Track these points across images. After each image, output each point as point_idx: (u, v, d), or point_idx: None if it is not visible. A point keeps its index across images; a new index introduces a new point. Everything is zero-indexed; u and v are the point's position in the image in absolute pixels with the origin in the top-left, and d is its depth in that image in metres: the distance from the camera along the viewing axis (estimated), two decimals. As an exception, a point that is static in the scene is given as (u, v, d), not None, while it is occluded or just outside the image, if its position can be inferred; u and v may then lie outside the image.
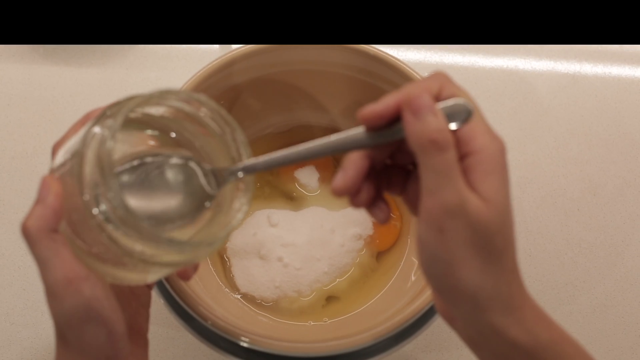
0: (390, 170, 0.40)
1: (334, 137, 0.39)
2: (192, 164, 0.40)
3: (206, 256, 0.41)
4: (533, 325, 0.37)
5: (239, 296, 0.63)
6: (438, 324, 0.58)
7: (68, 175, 0.37)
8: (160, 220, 0.39)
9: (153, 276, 0.41)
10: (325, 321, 0.62)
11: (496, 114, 0.76)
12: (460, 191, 0.34)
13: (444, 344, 0.65)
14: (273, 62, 0.63)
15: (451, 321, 0.41)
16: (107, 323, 0.39)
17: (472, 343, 0.40)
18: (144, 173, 0.39)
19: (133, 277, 0.40)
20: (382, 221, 0.41)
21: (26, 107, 0.76)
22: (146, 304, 0.47)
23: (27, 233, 0.39)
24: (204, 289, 0.60)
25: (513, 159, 0.74)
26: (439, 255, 0.35)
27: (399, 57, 0.60)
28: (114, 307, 0.39)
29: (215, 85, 0.61)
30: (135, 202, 0.38)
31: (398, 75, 0.60)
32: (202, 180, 0.41)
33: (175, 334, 0.65)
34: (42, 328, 0.65)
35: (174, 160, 0.40)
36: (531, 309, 0.38)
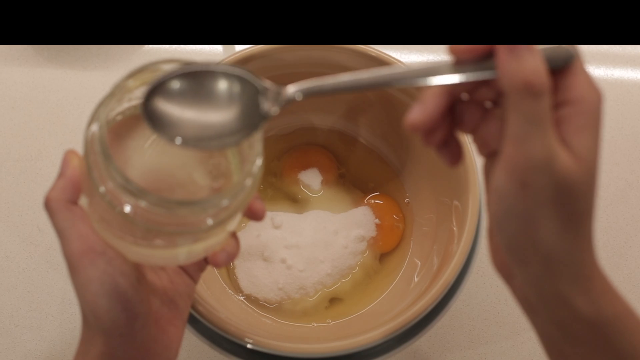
0: (464, 105, 0.36)
1: (416, 66, 0.34)
2: (249, 77, 0.37)
3: (228, 223, 0.39)
4: (599, 296, 0.35)
5: (242, 298, 0.63)
6: (441, 325, 0.58)
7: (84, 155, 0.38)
8: (204, 133, 0.36)
9: (181, 254, 0.40)
10: (329, 322, 0.62)
11: (499, 116, 0.76)
12: (549, 144, 0.32)
13: (447, 345, 0.65)
14: (275, 65, 0.63)
15: (508, 278, 0.39)
16: (120, 299, 0.38)
17: (528, 306, 0.38)
18: (191, 82, 0.36)
19: (158, 255, 0.40)
20: (452, 164, 0.37)
21: (30, 109, 0.76)
22: (184, 295, 0.46)
23: (47, 205, 0.39)
24: (208, 291, 0.60)
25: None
26: (517, 210, 0.33)
27: (401, 60, 0.60)
28: (131, 285, 0.39)
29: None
30: (176, 109, 0.36)
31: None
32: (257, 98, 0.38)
33: (178, 335, 0.65)
34: (46, 330, 0.65)
35: (226, 70, 0.37)
36: (600, 280, 0.36)
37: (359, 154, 0.70)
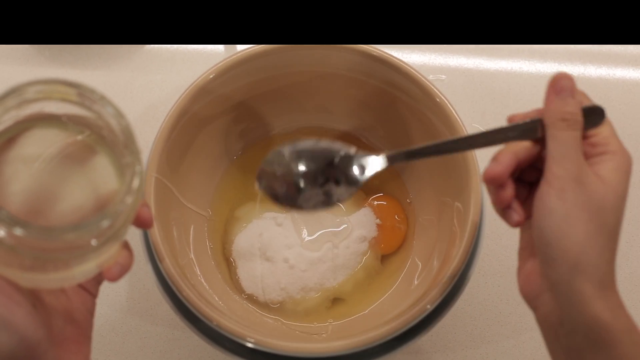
0: (516, 183, 0.45)
1: (482, 132, 0.44)
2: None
3: (116, 238, 0.39)
4: (616, 307, 0.40)
5: (244, 298, 0.63)
6: (443, 324, 0.58)
7: None
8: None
9: (74, 275, 0.40)
10: (330, 322, 0.62)
11: (501, 116, 0.76)
12: (581, 164, 0.41)
13: (448, 344, 0.65)
14: (278, 64, 0.63)
15: (534, 300, 0.44)
16: (17, 329, 0.38)
17: (550, 329, 0.43)
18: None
19: (51, 278, 0.39)
20: (515, 224, 0.45)
21: (32, 109, 0.76)
22: (85, 312, 0.45)
23: None
24: (209, 291, 0.60)
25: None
26: (557, 211, 0.40)
27: (403, 59, 0.60)
28: (27, 313, 0.39)
29: (221, 87, 0.61)
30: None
31: (402, 77, 0.60)
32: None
33: (180, 335, 0.65)
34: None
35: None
36: (617, 295, 0.41)
37: (361, 153, 0.70)
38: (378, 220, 0.66)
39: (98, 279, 0.46)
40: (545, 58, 0.80)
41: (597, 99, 0.77)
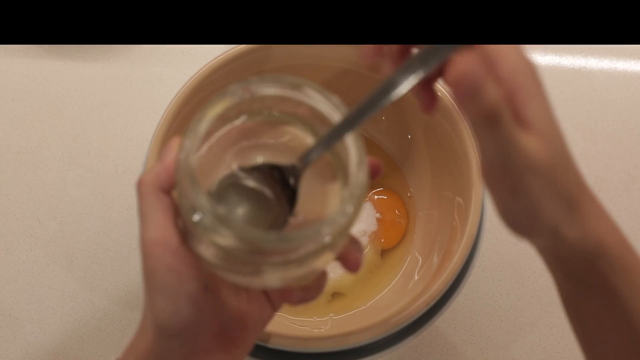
0: None
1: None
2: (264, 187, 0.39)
3: (310, 261, 0.37)
4: (586, 224, 0.37)
5: (243, 291, 0.63)
6: (443, 319, 0.58)
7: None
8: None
9: (253, 280, 0.39)
10: (330, 317, 0.62)
11: (501, 109, 0.76)
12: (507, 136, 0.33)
13: (448, 339, 0.65)
14: (278, 56, 0.63)
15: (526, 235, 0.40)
16: (176, 301, 0.37)
17: (547, 263, 0.40)
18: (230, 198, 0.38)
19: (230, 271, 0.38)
20: (426, 111, 0.38)
21: (30, 101, 0.76)
22: (258, 320, 0.42)
23: (138, 186, 0.38)
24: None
25: (518, 154, 0.73)
26: (516, 209, 0.36)
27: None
28: (193, 291, 0.37)
29: (220, 81, 0.61)
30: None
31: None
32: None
33: (179, 329, 0.65)
34: (46, 323, 0.65)
35: (251, 184, 0.38)
36: (590, 208, 0.37)
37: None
38: (378, 215, 0.66)
39: (283, 295, 0.43)
40: (547, 51, 0.79)
41: (599, 92, 0.77)
